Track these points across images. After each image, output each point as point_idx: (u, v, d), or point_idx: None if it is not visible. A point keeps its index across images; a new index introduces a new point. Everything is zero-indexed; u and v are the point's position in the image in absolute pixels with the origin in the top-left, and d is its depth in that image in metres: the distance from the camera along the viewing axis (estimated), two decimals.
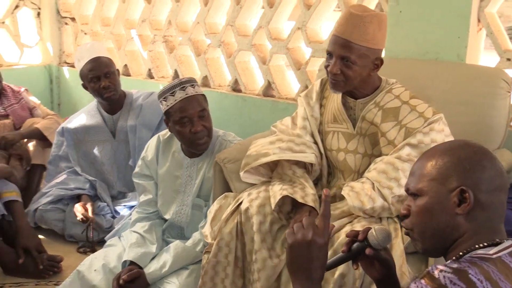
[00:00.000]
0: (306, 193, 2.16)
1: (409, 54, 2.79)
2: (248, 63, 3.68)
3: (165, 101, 2.53)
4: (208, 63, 3.78)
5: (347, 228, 2.06)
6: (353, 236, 1.51)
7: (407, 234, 1.40)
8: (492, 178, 1.26)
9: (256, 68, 3.64)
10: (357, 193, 2.08)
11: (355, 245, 1.50)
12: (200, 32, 3.79)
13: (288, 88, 3.49)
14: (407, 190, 1.40)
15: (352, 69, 2.11)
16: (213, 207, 2.33)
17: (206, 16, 3.71)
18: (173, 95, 2.51)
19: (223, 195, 2.37)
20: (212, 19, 3.73)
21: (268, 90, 3.52)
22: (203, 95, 2.59)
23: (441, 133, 2.12)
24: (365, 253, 1.47)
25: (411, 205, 1.36)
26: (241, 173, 2.31)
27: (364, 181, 2.12)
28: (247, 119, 3.56)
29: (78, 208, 3.10)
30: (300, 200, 2.12)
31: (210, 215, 2.32)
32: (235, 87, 3.67)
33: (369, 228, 1.49)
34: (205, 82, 3.81)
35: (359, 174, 2.26)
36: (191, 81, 2.56)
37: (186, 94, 2.51)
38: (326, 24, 3.36)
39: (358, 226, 2.04)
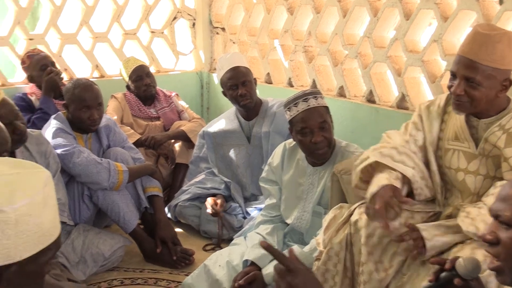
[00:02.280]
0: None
1: None
2: (384, 75, 3.69)
3: (289, 111, 2.67)
4: (344, 74, 3.85)
5: (457, 249, 2.04)
6: (438, 264, 1.51)
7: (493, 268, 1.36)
8: None
9: (392, 79, 3.64)
10: (473, 219, 2.02)
11: (443, 274, 1.48)
12: (338, 43, 3.87)
13: (422, 101, 3.44)
14: (496, 216, 1.37)
15: (477, 90, 2.03)
16: (328, 216, 2.42)
17: (344, 27, 3.78)
18: (296, 106, 2.64)
19: (338, 205, 2.44)
20: (350, 30, 3.80)
21: (402, 102, 3.51)
22: (326, 106, 2.69)
23: None
24: (454, 283, 1.44)
25: (501, 234, 1.32)
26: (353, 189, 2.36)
27: (481, 206, 2.06)
28: (380, 130, 3.52)
29: (209, 201, 3.36)
30: (385, 181, 2.09)
31: (324, 223, 2.41)
32: (370, 98, 3.70)
33: (457, 258, 1.48)
34: (341, 92, 3.89)
35: (478, 196, 2.17)
36: (314, 93, 2.67)
37: (308, 105, 2.62)
38: (463, 37, 3.28)
39: (468, 248, 2.00)
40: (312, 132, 2.62)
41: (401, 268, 2.15)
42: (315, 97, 2.67)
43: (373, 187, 2.10)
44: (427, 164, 2.27)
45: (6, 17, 4.24)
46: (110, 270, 3.05)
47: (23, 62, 3.91)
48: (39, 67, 3.78)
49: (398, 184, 2.10)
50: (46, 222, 1.25)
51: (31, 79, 3.85)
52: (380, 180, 2.10)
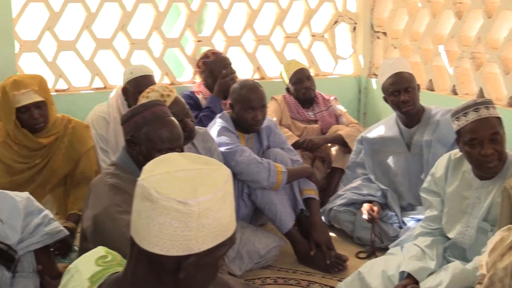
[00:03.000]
0: None
1: None
2: None
3: (457, 120, 2.55)
4: None
5: None
6: None
7: None
8: None
9: None
10: None
11: None
12: (511, 50, 3.63)
13: None
14: None
15: None
16: (494, 238, 2.24)
17: None
18: (466, 116, 2.51)
19: (506, 227, 2.25)
20: None
21: None
22: (498, 117, 2.53)
23: None
24: None
25: None
26: None
27: None
28: None
29: (365, 207, 3.31)
30: None
31: (489, 245, 2.25)
32: None
33: None
34: None
35: None
36: (486, 103, 2.52)
37: (479, 115, 2.48)
38: None
39: None
40: (482, 144, 2.47)
41: None
42: (487, 107, 2.52)
43: None
44: None
45: (178, 21, 4.51)
46: (264, 268, 3.12)
47: (206, 56, 4.10)
48: (223, 65, 3.98)
49: None
50: (224, 218, 1.31)
51: (209, 73, 4.02)
52: None
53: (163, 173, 1.29)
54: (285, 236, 3.18)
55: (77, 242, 2.90)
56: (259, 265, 3.08)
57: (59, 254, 2.89)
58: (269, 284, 2.98)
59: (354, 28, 4.98)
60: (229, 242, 1.34)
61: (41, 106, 3.05)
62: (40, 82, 3.08)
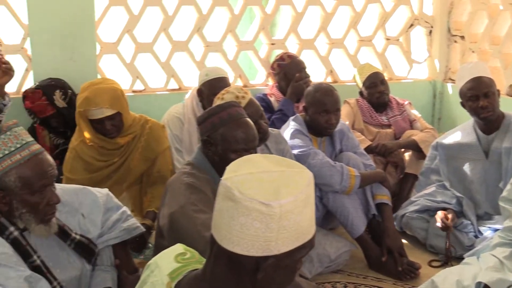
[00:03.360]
0: None
1: None
2: None
3: None
4: None
5: None
6: None
7: None
8: None
9: None
10: None
11: None
12: None
13: None
14: None
15: None
16: None
17: None
18: None
19: None
20: None
21: None
22: None
23: None
24: None
25: None
26: None
27: None
28: None
29: (439, 214, 3.23)
30: None
31: None
32: None
33: None
34: None
35: None
36: None
37: None
38: None
39: None
40: None
41: None
42: None
43: None
44: None
45: (252, 24, 4.55)
46: (333, 272, 3.10)
47: (282, 59, 4.12)
48: (298, 68, 4.00)
49: None
50: (304, 221, 1.31)
51: (283, 76, 4.04)
52: None
53: (246, 174, 1.31)
54: (356, 240, 3.16)
55: (152, 239, 2.97)
56: (329, 269, 3.07)
57: (134, 250, 2.98)
58: None
59: (430, 32, 4.87)
60: (309, 245, 1.35)
61: (114, 117, 3.12)
62: (112, 97, 3.10)
